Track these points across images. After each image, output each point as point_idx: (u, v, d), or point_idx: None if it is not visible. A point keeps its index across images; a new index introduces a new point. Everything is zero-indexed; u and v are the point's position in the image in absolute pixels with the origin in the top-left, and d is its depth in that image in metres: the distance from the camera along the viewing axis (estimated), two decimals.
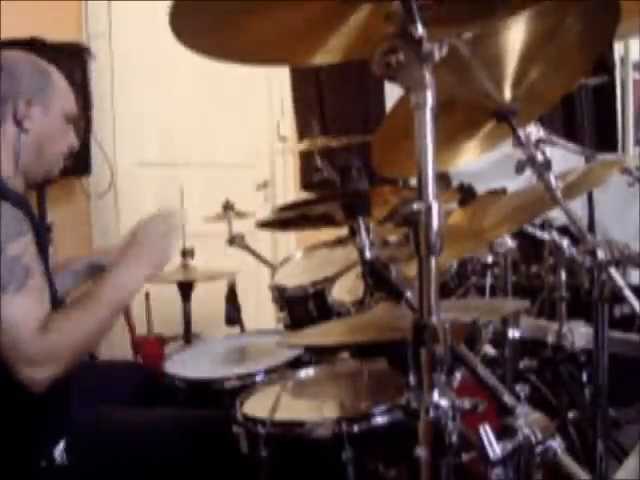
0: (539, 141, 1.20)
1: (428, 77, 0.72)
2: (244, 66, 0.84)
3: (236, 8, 0.74)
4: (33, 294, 1.19)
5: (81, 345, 1.25)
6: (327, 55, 0.86)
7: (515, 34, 1.04)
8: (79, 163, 2.70)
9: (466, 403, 0.78)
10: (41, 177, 1.42)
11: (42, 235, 1.36)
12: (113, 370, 1.81)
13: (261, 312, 2.83)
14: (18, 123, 1.34)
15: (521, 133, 1.15)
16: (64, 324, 1.22)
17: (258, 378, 1.56)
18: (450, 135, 1.23)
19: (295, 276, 2.16)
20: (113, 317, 1.32)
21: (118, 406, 1.51)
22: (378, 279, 1.02)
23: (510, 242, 1.56)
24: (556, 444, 0.82)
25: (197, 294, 2.58)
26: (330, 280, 1.95)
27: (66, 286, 1.63)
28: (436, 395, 0.73)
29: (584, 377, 1.63)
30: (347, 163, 1.15)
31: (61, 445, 1.29)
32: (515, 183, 1.59)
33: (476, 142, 1.31)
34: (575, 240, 1.53)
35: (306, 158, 3.35)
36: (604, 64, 2.95)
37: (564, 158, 1.92)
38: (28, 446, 1.27)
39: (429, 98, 0.72)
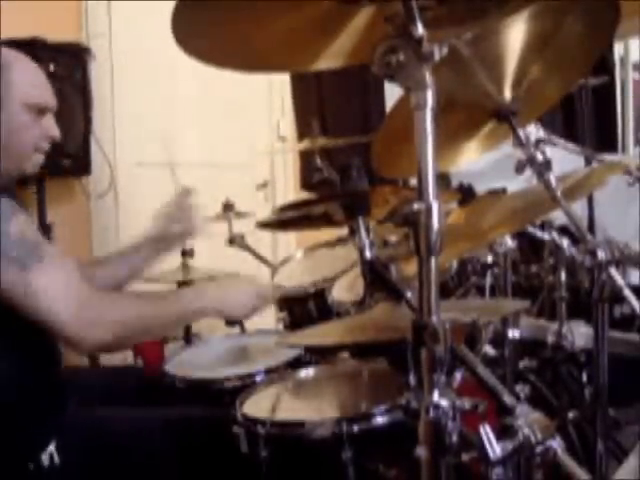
0: (539, 141, 1.19)
1: (428, 77, 0.72)
2: (248, 74, 0.84)
3: (238, 15, 0.75)
4: (53, 260, 1.21)
5: (132, 322, 1.29)
6: (330, 60, 0.86)
7: (515, 34, 1.04)
8: (79, 163, 2.70)
9: (466, 403, 0.78)
10: (15, 173, 1.36)
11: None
12: (112, 372, 1.81)
13: (261, 312, 2.83)
14: None
15: (521, 133, 1.15)
16: (127, 300, 1.32)
17: (258, 378, 1.56)
18: (450, 135, 1.23)
19: (295, 276, 2.16)
20: (169, 323, 1.40)
21: (116, 406, 1.50)
22: (378, 279, 1.02)
23: (510, 242, 1.56)
24: (556, 444, 0.82)
25: None
26: (330, 280, 1.95)
27: (133, 265, 1.68)
28: (436, 395, 0.73)
29: (584, 377, 1.63)
30: (347, 163, 1.15)
31: (52, 446, 1.28)
32: (515, 183, 1.59)
33: (476, 142, 1.31)
34: (575, 240, 1.53)
35: (306, 158, 3.35)
36: (604, 64, 2.95)
37: (564, 158, 1.92)
38: (16, 448, 1.26)
39: (429, 98, 0.72)
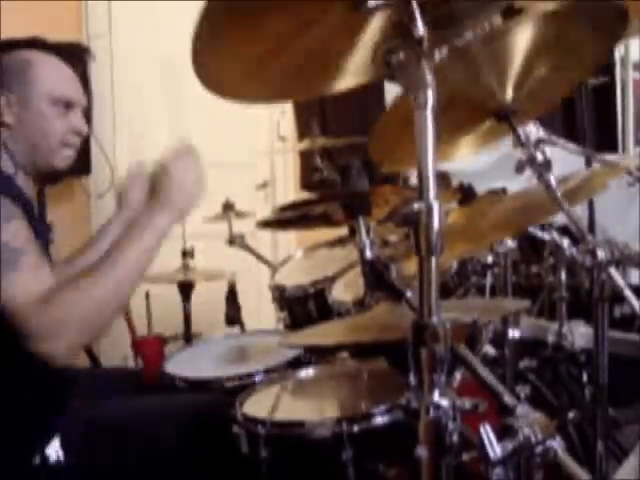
0: (539, 141, 1.19)
1: (428, 77, 0.72)
2: (273, 104, 0.84)
3: (254, 47, 0.74)
4: (28, 271, 1.16)
5: (96, 312, 1.18)
6: (354, 76, 0.85)
7: (522, 36, 1.04)
8: (79, 163, 2.68)
9: (466, 403, 0.78)
10: (44, 168, 1.38)
11: (43, 234, 1.35)
12: (112, 373, 1.81)
13: (261, 312, 2.83)
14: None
15: (521, 133, 1.15)
16: (68, 293, 1.17)
17: (258, 378, 1.56)
18: (447, 130, 1.23)
19: (295, 276, 2.16)
20: (134, 277, 1.23)
21: (117, 405, 1.50)
22: (378, 279, 1.02)
23: (510, 242, 1.56)
24: (556, 444, 0.82)
25: (197, 294, 2.58)
26: (330, 280, 1.95)
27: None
28: (436, 395, 0.73)
29: (584, 377, 1.63)
30: (347, 163, 1.15)
31: (56, 443, 1.29)
32: (515, 183, 1.59)
33: (473, 138, 1.31)
34: (575, 240, 1.53)
35: (306, 158, 3.35)
36: (604, 65, 2.95)
37: (564, 159, 1.92)
38: (20, 444, 1.26)
39: (429, 98, 0.72)
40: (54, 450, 1.28)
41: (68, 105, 1.38)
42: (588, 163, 2.11)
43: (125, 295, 1.25)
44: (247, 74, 0.78)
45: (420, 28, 0.72)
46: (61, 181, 2.51)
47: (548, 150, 1.15)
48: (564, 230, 1.67)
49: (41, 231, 1.33)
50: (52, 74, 1.39)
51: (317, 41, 0.78)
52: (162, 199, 1.30)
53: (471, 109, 1.18)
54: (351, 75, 0.85)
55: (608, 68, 3.09)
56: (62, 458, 1.28)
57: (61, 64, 1.42)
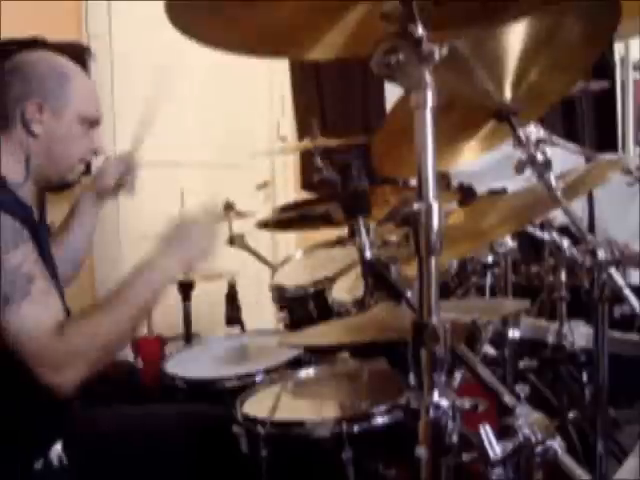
0: (539, 141, 1.19)
1: (428, 77, 0.72)
2: (240, 56, 0.83)
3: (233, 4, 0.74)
4: (39, 299, 1.17)
5: (105, 345, 1.22)
6: (324, 50, 0.85)
7: (515, 34, 1.04)
8: None
9: (466, 403, 0.78)
10: (55, 182, 1.39)
11: (44, 238, 1.35)
12: (112, 373, 1.81)
13: (261, 312, 2.83)
14: (27, 127, 1.30)
15: (521, 133, 1.15)
16: (84, 326, 1.20)
17: (258, 378, 1.56)
18: (450, 135, 1.23)
19: (295, 276, 2.16)
20: (142, 314, 1.29)
21: (117, 406, 1.51)
22: (378, 279, 1.02)
23: (510, 242, 1.56)
24: (556, 444, 0.82)
25: (197, 294, 2.57)
26: (330, 280, 1.95)
27: (76, 247, 1.64)
28: (436, 395, 0.73)
29: (584, 377, 1.63)
30: (347, 163, 1.15)
31: (58, 446, 1.29)
32: (515, 183, 1.59)
33: (476, 142, 1.31)
34: (575, 240, 1.53)
35: (306, 158, 3.34)
36: (604, 65, 2.95)
37: (564, 159, 1.92)
38: (23, 448, 1.26)
39: (429, 98, 0.72)
40: (56, 454, 1.28)
41: (92, 124, 1.39)
42: (588, 163, 2.11)
43: (131, 330, 1.29)
44: (219, 23, 0.78)
45: (419, 28, 0.72)
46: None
47: (548, 150, 1.15)
48: (564, 230, 1.67)
49: (43, 236, 1.32)
50: (85, 92, 1.38)
51: (301, 9, 0.78)
52: (176, 246, 1.34)
53: (471, 111, 1.18)
54: (328, 48, 0.85)
55: (608, 69, 3.08)
56: (65, 462, 1.28)
57: (90, 81, 1.43)
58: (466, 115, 1.19)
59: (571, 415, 1.58)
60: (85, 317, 1.23)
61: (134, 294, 1.25)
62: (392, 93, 3.11)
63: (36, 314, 1.16)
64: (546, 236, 1.70)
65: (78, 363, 1.18)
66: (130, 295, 1.25)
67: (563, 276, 1.66)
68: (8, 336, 1.15)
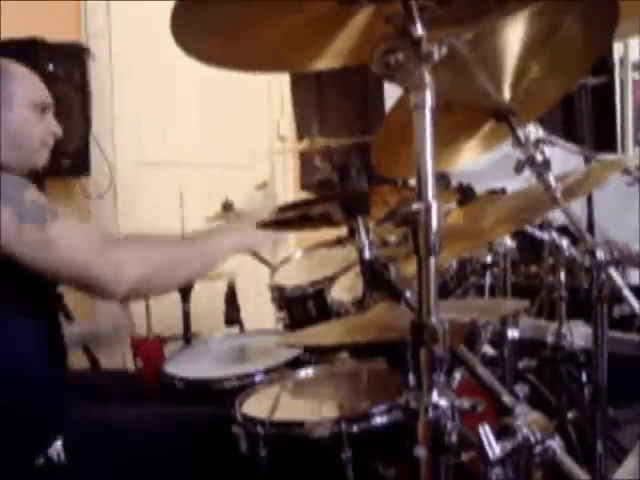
0: (538, 141, 1.19)
1: (427, 77, 0.72)
2: (246, 74, 0.84)
3: (238, 15, 0.74)
4: (68, 218, 1.28)
5: (157, 258, 1.33)
6: (330, 60, 0.86)
7: (514, 34, 1.04)
8: (79, 163, 2.70)
9: (465, 403, 0.78)
10: (28, 167, 1.46)
11: None
12: (112, 374, 1.82)
13: (261, 312, 2.83)
14: None
15: (520, 133, 1.15)
16: (133, 240, 1.35)
17: (258, 378, 1.56)
18: (449, 135, 1.23)
19: (295, 276, 2.16)
20: (190, 262, 1.42)
21: (117, 405, 1.51)
22: (377, 279, 1.02)
23: (509, 242, 1.56)
24: (555, 444, 0.82)
25: (197, 294, 2.58)
26: (330, 280, 1.95)
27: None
28: (435, 395, 0.73)
29: (583, 377, 1.64)
30: (347, 163, 1.15)
31: (58, 443, 1.29)
32: (515, 183, 1.59)
33: (475, 142, 1.31)
34: (575, 240, 1.53)
35: (306, 158, 3.35)
36: (603, 64, 2.95)
37: (564, 158, 1.92)
38: (24, 444, 1.27)
39: (429, 98, 0.72)
40: (56, 451, 1.29)
41: (44, 109, 1.48)
42: (587, 163, 2.11)
43: (185, 270, 1.43)
44: (223, 41, 0.78)
45: (419, 28, 0.72)
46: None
47: (547, 150, 1.15)
48: (564, 230, 1.67)
49: None
50: (27, 80, 1.48)
51: (303, 21, 0.78)
52: (245, 229, 1.54)
53: (470, 111, 1.18)
54: (334, 57, 0.85)
55: (607, 68, 3.08)
56: (64, 459, 1.29)
57: (29, 69, 1.50)
58: (465, 115, 1.20)
59: (570, 415, 1.58)
60: (152, 237, 1.39)
61: (199, 243, 1.43)
62: (392, 93, 3.11)
63: (76, 225, 1.28)
64: (545, 236, 1.70)
65: (137, 262, 1.28)
66: (194, 241, 1.44)
67: (562, 276, 1.66)
68: (61, 256, 1.23)
